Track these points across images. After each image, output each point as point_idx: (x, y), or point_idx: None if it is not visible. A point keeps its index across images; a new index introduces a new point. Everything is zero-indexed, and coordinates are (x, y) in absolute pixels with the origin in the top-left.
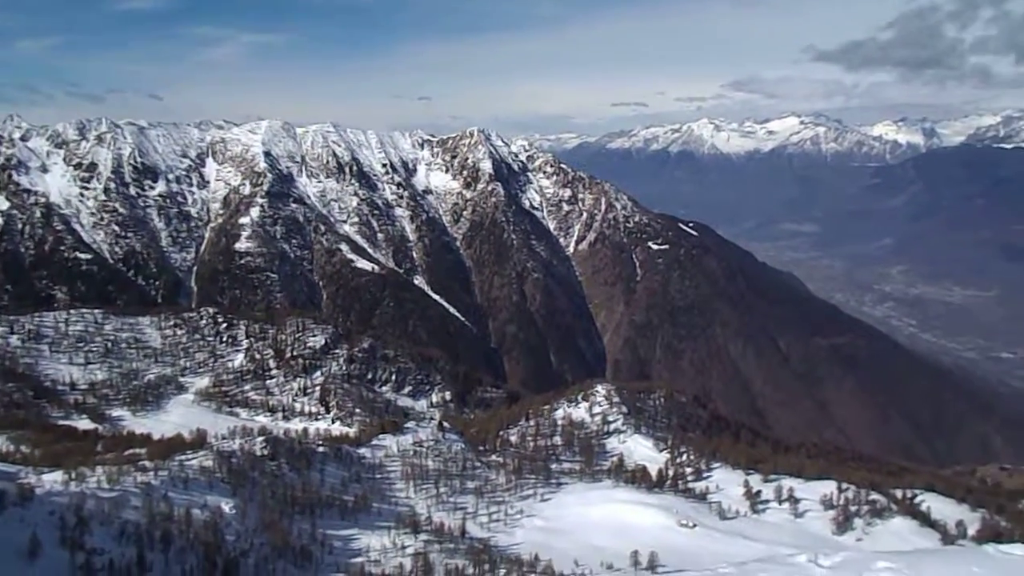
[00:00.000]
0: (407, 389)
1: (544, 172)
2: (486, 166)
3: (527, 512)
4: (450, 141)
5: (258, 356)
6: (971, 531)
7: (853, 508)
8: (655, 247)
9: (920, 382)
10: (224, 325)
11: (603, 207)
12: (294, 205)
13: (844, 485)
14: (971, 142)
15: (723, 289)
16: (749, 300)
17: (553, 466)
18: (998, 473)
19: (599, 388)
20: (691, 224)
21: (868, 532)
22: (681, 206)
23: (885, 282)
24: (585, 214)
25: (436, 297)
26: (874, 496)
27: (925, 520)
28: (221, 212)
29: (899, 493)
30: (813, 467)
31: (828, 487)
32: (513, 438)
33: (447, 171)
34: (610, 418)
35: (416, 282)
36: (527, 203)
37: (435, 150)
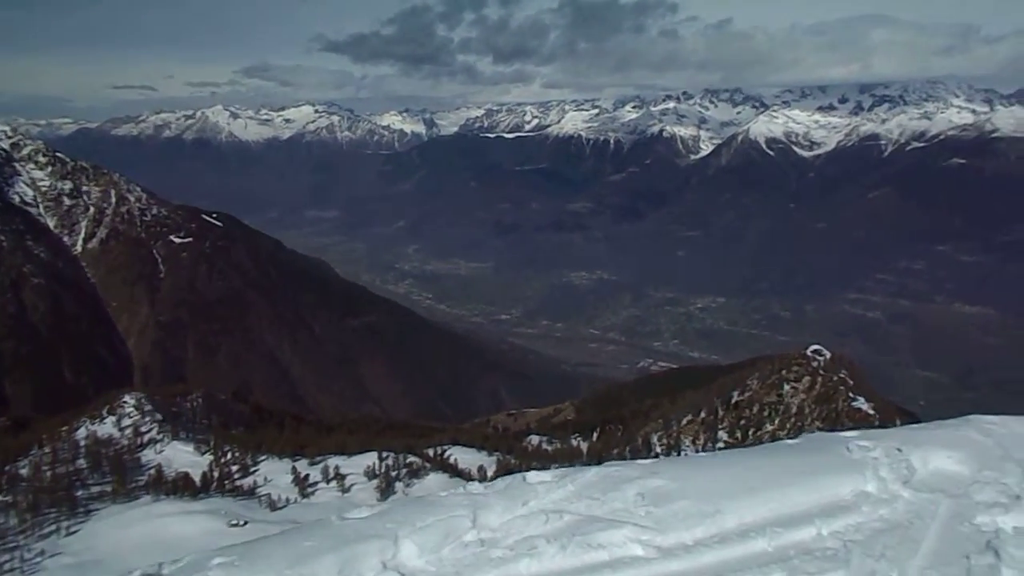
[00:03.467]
0: None
1: (36, 162)
2: None
3: (50, 551)
4: None
5: None
6: (490, 472)
7: (393, 473)
8: (178, 241)
9: (440, 349)
10: None
11: (114, 200)
12: None
13: (384, 454)
14: (463, 132)
15: (254, 280)
16: (281, 288)
17: (79, 493)
18: (507, 419)
19: (127, 398)
20: (215, 215)
21: (408, 493)
22: (202, 196)
23: (404, 261)
24: (93, 208)
25: None
26: (411, 458)
27: (454, 471)
28: None
29: (431, 452)
30: (355, 442)
31: (370, 458)
32: (25, 471)
33: None
34: (143, 428)
35: None
36: (17, 198)
37: None
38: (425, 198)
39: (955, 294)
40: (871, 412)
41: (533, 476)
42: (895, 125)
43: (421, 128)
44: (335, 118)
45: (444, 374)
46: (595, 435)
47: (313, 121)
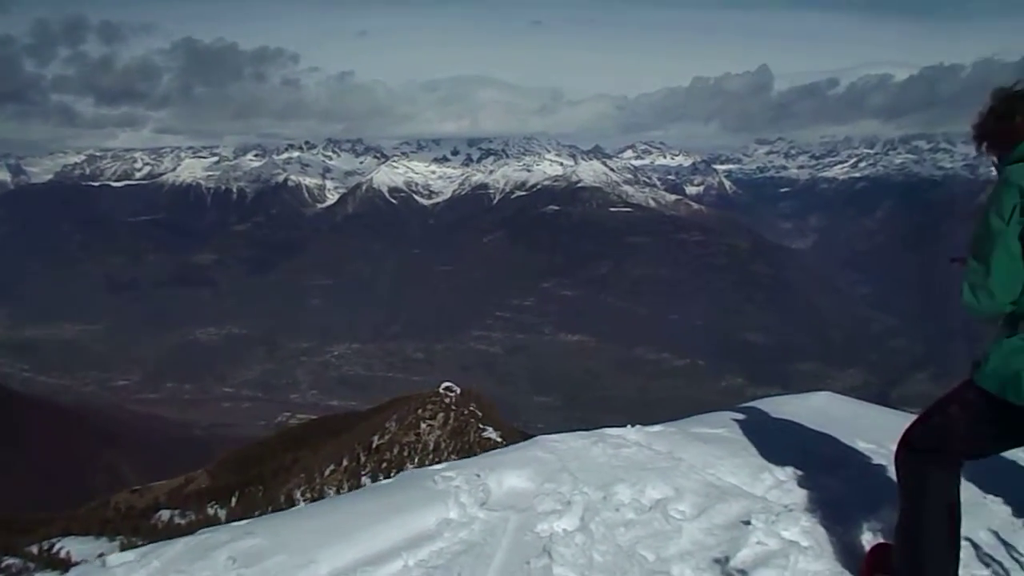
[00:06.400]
0: None
1: None
2: None
3: None
4: None
5: None
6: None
7: None
8: None
9: (44, 428)
10: None
11: None
12: None
13: None
14: (60, 180)
15: None
16: None
17: None
18: (131, 496)
19: None
20: None
21: None
22: None
23: None
24: None
25: None
26: (9, 560)
27: (65, 566)
28: None
29: (36, 548)
30: None
31: None
32: None
33: None
34: None
35: None
36: None
37: None
38: (16, 255)
39: (559, 325)
40: (499, 440)
41: (113, 559)
42: (501, 176)
43: (6, 176)
44: None
45: (47, 456)
46: (234, 500)
47: None
